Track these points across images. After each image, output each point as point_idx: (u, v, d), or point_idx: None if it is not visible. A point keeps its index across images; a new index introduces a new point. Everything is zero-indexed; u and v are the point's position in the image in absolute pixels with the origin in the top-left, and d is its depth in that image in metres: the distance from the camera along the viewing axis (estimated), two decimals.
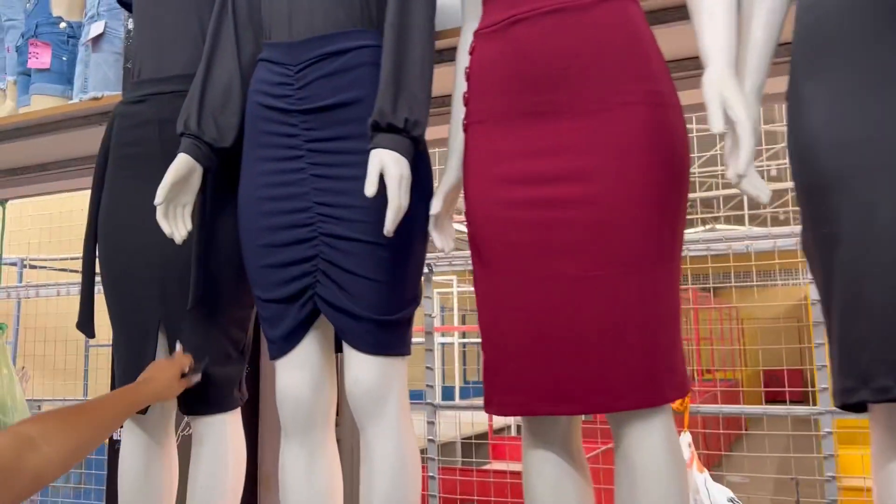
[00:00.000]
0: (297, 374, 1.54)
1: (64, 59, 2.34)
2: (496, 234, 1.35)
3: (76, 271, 4.42)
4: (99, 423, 1.38)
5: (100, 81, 2.17)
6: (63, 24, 2.37)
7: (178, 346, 1.66)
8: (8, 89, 2.56)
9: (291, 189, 1.52)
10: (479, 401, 2.05)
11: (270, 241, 1.53)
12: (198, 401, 1.67)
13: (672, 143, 1.31)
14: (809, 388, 3.04)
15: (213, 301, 1.66)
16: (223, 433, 1.68)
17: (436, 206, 1.49)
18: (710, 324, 8.60)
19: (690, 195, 3.14)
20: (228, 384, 1.70)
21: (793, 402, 3.54)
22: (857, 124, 1.13)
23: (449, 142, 1.52)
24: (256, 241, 1.56)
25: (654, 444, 1.27)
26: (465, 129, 1.44)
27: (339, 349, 1.60)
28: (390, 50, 1.43)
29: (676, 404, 2.88)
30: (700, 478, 2.87)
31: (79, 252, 1.90)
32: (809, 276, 2.57)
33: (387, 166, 1.37)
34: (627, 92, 1.29)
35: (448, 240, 1.52)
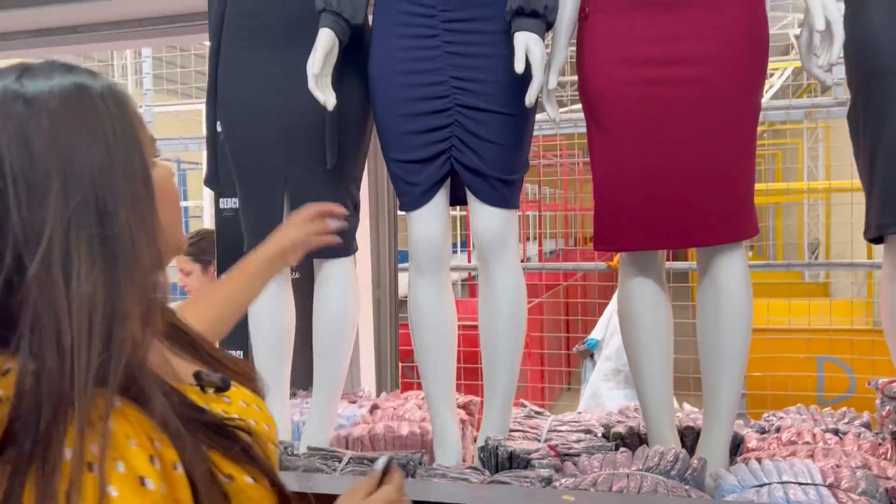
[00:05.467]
0: (432, 222, 1.83)
1: None
2: (618, 107, 1.67)
3: None
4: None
5: None
6: None
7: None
8: None
9: (428, 64, 1.77)
10: None
11: (410, 111, 1.79)
12: (328, 246, 1.93)
13: (763, 33, 1.65)
14: None
15: (338, 161, 1.90)
16: (348, 272, 1.97)
17: (553, 81, 1.78)
18: None
19: None
20: (351, 233, 1.97)
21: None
22: None
23: (556, 26, 1.79)
24: (396, 110, 1.80)
25: (738, 269, 1.69)
26: (585, 17, 1.72)
27: (453, 203, 1.90)
28: None
29: (615, 262, 3.42)
30: None
31: None
32: None
33: (531, 47, 1.65)
34: None
35: (557, 109, 1.81)
